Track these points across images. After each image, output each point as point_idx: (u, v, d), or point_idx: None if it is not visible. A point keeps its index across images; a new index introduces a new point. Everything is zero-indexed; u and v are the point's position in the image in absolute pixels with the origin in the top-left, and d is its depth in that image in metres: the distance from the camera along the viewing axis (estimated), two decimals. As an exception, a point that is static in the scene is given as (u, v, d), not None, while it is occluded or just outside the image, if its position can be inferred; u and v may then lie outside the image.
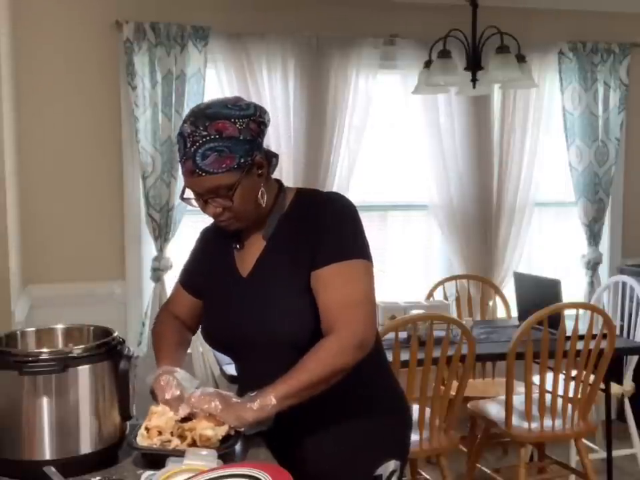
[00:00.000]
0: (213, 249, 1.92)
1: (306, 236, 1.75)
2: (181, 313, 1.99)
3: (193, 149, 1.67)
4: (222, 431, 1.61)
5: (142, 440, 1.64)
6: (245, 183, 1.70)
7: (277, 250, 1.79)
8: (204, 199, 1.73)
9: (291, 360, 1.67)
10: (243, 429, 1.62)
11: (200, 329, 1.95)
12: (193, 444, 1.61)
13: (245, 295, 1.80)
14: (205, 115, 1.69)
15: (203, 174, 1.67)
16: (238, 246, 1.85)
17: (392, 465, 1.81)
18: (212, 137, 1.67)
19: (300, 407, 1.64)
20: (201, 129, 1.67)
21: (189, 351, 3.69)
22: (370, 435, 1.82)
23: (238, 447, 1.66)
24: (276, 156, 1.80)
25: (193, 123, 1.69)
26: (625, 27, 4.80)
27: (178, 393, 1.71)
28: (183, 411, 1.66)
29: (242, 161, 1.69)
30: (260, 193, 1.75)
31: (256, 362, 1.80)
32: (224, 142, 1.67)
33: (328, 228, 1.74)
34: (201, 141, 1.67)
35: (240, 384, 1.92)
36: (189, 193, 1.75)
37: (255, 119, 1.72)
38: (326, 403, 1.70)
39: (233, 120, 1.68)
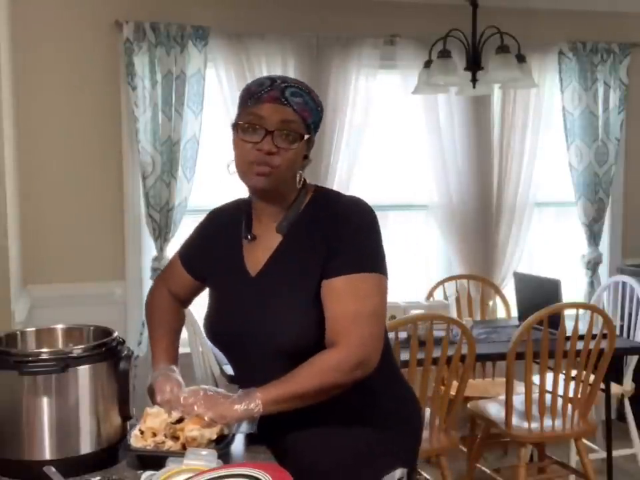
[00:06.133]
0: (221, 237, 1.84)
1: (322, 240, 1.67)
2: (175, 287, 1.95)
3: (283, 85, 1.69)
4: (209, 432, 1.61)
5: (136, 441, 1.64)
6: (301, 147, 1.71)
7: (290, 251, 1.72)
8: (269, 130, 1.64)
9: (288, 369, 1.62)
10: (229, 432, 1.61)
11: (203, 322, 1.87)
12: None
13: (251, 295, 1.73)
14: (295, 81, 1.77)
15: (287, 105, 1.67)
16: (249, 237, 1.77)
17: (398, 472, 1.75)
18: (303, 89, 1.72)
19: (303, 411, 1.62)
20: (294, 81, 1.74)
21: (188, 350, 3.72)
22: (376, 444, 1.75)
23: (238, 447, 1.66)
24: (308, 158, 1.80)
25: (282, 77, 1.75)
26: (625, 26, 4.80)
27: (177, 391, 1.71)
28: (176, 414, 1.66)
29: (312, 126, 1.74)
30: (299, 174, 1.74)
31: (253, 366, 1.74)
32: (311, 98, 1.72)
33: (346, 236, 1.66)
34: (294, 85, 1.71)
35: (238, 384, 1.91)
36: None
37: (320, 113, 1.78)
38: (331, 409, 1.66)
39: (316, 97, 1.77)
